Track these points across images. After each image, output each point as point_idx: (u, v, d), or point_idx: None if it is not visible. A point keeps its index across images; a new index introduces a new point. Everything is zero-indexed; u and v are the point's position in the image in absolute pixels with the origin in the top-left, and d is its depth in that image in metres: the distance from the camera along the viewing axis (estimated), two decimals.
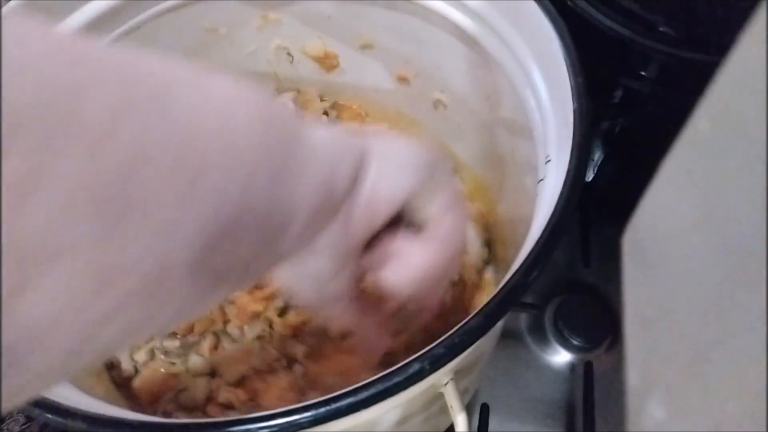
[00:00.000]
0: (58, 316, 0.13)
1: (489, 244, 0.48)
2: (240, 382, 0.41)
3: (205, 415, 0.40)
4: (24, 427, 0.45)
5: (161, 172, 0.14)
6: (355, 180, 0.23)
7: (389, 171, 0.25)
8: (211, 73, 0.18)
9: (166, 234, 0.15)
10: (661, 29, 0.42)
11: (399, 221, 0.27)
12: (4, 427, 0.45)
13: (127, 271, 0.14)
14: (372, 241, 0.27)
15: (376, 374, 0.23)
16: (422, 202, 0.26)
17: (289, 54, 0.52)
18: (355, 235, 0.25)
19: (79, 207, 0.13)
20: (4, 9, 0.36)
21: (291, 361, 0.42)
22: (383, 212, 0.25)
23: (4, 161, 0.11)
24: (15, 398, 0.14)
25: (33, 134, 0.12)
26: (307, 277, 0.26)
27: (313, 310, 0.34)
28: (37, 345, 0.13)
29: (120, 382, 0.42)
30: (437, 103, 0.50)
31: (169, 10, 0.44)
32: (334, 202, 0.23)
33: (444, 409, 0.28)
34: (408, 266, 0.27)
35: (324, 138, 0.22)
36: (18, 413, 0.43)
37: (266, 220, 0.19)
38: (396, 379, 0.23)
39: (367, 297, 0.30)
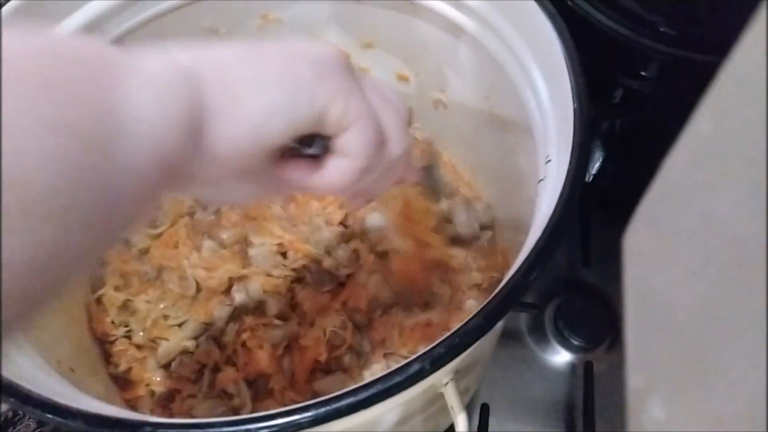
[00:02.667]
0: None
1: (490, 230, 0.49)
2: None
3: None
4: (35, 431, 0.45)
5: None
6: (193, 142, 0.20)
7: (235, 123, 0.21)
8: None
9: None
10: (661, 29, 0.42)
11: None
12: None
13: None
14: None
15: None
16: (312, 119, 0.23)
17: None
18: (237, 172, 0.23)
19: None
20: (5, 9, 0.36)
21: None
22: (246, 160, 0.22)
23: None
24: None
25: None
26: (239, 198, 0.26)
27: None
28: None
29: (117, 377, 0.42)
30: (437, 103, 0.50)
31: (169, 10, 0.44)
32: (176, 167, 0.20)
33: (444, 409, 0.28)
34: (318, 188, 0.25)
35: (146, 92, 0.19)
36: (29, 418, 0.43)
37: (89, 230, 0.17)
38: (396, 379, 0.23)
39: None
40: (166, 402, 0.41)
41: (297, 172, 0.25)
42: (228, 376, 0.41)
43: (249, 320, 0.43)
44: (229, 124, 0.21)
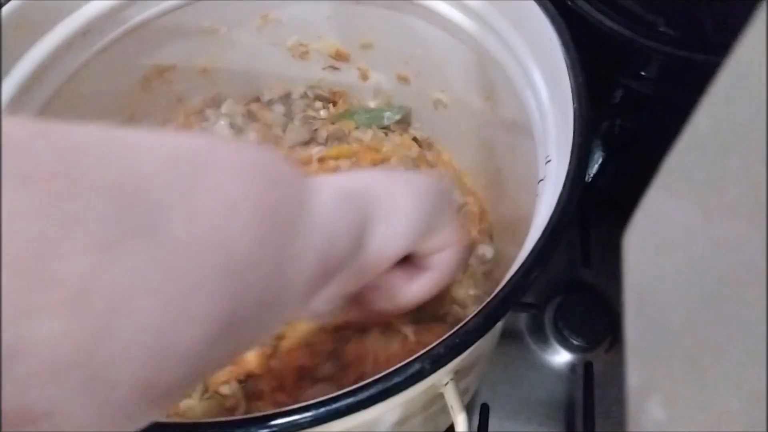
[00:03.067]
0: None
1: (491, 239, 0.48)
2: None
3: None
4: None
5: (152, 302, 0.15)
6: (358, 246, 0.24)
7: (393, 233, 0.25)
8: (210, 159, 0.18)
9: (150, 366, 0.15)
10: (661, 29, 0.42)
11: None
12: None
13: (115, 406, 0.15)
14: None
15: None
16: (426, 240, 0.28)
17: (291, 54, 0.52)
18: (355, 286, 0.26)
19: (58, 368, 0.13)
20: (5, 9, 0.36)
21: None
22: (384, 268, 0.26)
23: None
24: None
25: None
26: (309, 314, 0.29)
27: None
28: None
29: None
30: (437, 103, 0.50)
31: (169, 10, 0.44)
32: (331, 271, 0.23)
33: (444, 409, 0.28)
34: (403, 300, 0.29)
35: (329, 208, 0.22)
36: None
37: (258, 312, 0.19)
38: (396, 379, 0.23)
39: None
40: None
41: (398, 279, 0.29)
42: (219, 377, 0.41)
43: None
44: (387, 229, 0.25)
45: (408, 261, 0.29)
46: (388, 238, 0.25)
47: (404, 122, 0.53)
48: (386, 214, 0.25)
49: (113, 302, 0.14)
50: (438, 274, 0.29)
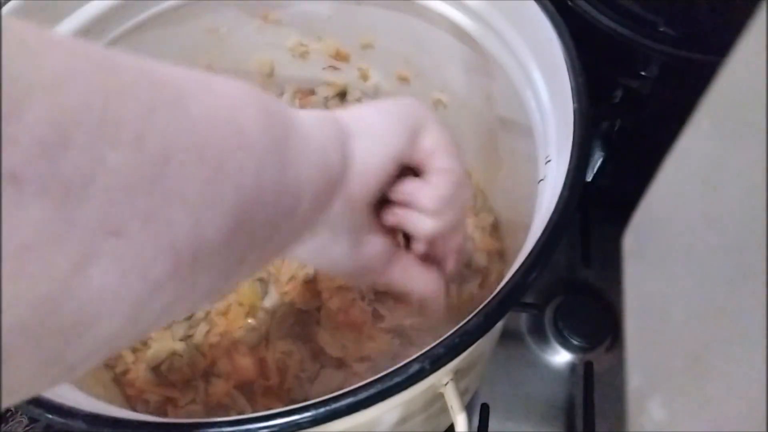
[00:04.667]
0: (117, 288, 0.15)
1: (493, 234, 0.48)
2: None
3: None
4: (27, 428, 0.45)
5: (188, 164, 0.16)
6: (344, 159, 0.25)
7: (372, 144, 0.27)
8: (216, 76, 0.20)
9: (198, 215, 0.17)
10: (661, 29, 0.42)
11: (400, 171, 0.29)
12: (8, 429, 0.45)
13: (169, 247, 0.16)
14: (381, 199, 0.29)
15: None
16: (413, 150, 0.29)
17: (291, 54, 0.52)
18: (357, 209, 0.27)
19: (129, 191, 0.15)
20: (4, 9, 0.36)
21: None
22: (376, 181, 0.27)
23: (68, 153, 0.13)
24: (84, 364, 0.16)
25: (87, 132, 0.14)
26: (333, 259, 0.29)
27: (355, 282, 0.38)
28: (101, 312, 0.15)
29: (117, 378, 0.42)
30: (437, 103, 0.50)
31: (169, 10, 0.44)
32: (332, 182, 0.25)
33: (444, 409, 0.28)
34: (422, 206, 0.29)
35: (312, 123, 0.24)
36: (21, 414, 0.43)
37: (277, 202, 0.21)
38: (396, 380, 0.23)
39: (399, 253, 0.32)
40: (160, 411, 0.41)
41: (409, 185, 0.29)
42: (219, 388, 0.41)
43: (221, 321, 0.43)
44: (365, 141, 0.26)
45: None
46: (370, 149, 0.26)
47: None
48: (362, 130, 0.26)
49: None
50: (439, 175, 0.29)
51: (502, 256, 0.47)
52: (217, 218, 0.18)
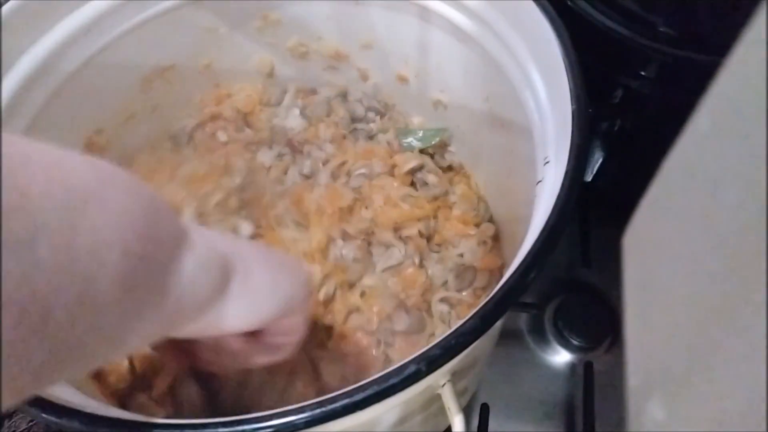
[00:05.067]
0: None
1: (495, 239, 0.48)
2: None
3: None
4: (31, 423, 0.46)
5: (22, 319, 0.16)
6: (209, 306, 0.25)
7: (245, 313, 0.27)
8: (96, 197, 0.19)
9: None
10: (661, 29, 0.42)
11: None
12: (11, 425, 0.45)
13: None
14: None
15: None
16: (276, 323, 0.30)
17: (291, 54, 0.52)
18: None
19: None
20: (4, 9, 0.36)
21: None
22: (229, 332, 0.28)
23: None
24: None
25: None
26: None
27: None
28: None
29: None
30: (437, 104, 0.50)
31: (169, 10, 0.44)
32: (177, 322, 0.24)
33: (443, 410, 0.28)
34: (242, 364, 0.32)
35: (193, 268, 0.23)
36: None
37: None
38: (392, 381, 0.23)
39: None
40: (124, 398, 0.40)
41: (242, 344, 0.31)
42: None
43: None
44: (235, 304, 0.26)
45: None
46: (231, 317, 0.26)
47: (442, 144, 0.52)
48: (240, 291, 0.26)
49: None
50: (279, 356, 0.32)
51: (502, 272, 0.47)
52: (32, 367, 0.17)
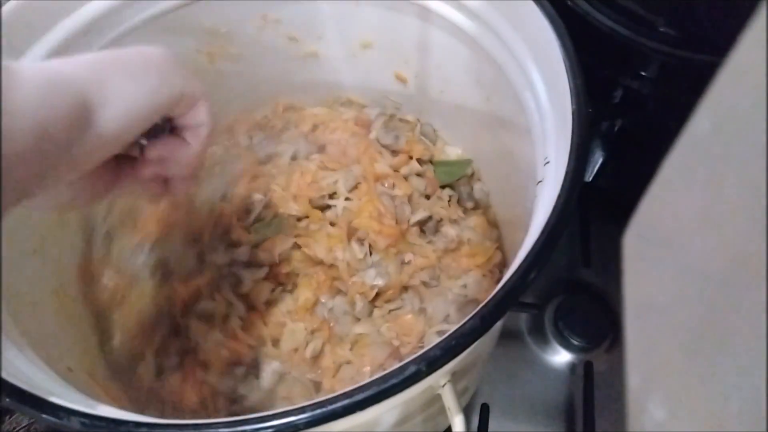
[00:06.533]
0: None
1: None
2: None
3: None
4: (31, 421, 0.46)
5: None
6: (77, 134, 0.25)
7: (115, 114, 0.26)
8: None
9: None
10: (661, 29, 0.42)
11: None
12: (12, 421, 0.46)
13: None
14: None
15: None
16: (165, 112, 0.29)
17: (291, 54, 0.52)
18: (84, 169, 0.27)
19: None
20: (5, 9, 0.36)
21: None
22: (117, 144, 0.27)
23: None
24: None
25: None
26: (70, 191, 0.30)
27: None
28: None
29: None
30: (436, 103, 0.50)
31: (169, 10, 0.44)
32: (52, 159, 0.24)
33: (443, 410, 0.28)
34: (185, 161, 0.32)
35: (32, 98, 0.23)
36: None
37: None
38: (392, 381, 0.23)
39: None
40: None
41: (166, 148, 0.31)
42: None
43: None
44: (111, 110, 0.26)
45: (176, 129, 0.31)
46: (110, 121, 0.26)
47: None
48: (105, 99, 0.26)
49: None
50: (202, 127, 0.31)
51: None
52: None
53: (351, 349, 0.42)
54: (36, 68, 0.24)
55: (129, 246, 0.44)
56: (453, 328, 0.40)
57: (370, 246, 0.45)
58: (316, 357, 0.41)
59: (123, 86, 0.27)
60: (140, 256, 0.44)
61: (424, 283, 0.44)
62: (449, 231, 0.46)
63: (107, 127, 0.26)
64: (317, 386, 0.41)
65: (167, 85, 0.28)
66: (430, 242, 0.45)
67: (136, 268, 0.43)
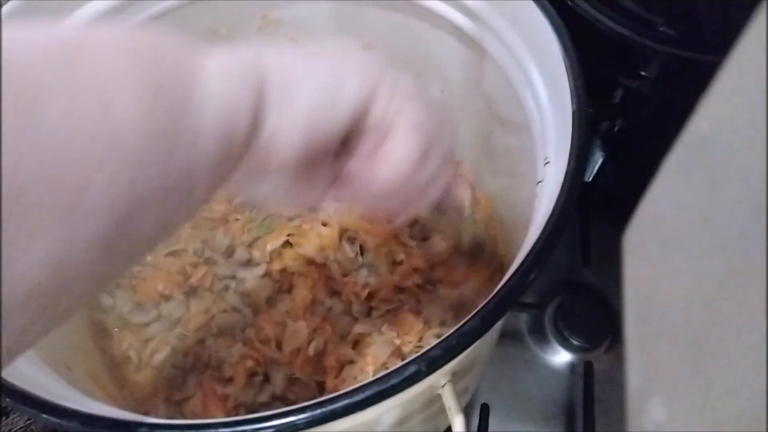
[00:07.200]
0: None
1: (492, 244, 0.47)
2: None
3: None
4: (28, 422, 0.46)
5: (43, 195, 0.14)
6: (253, 127, 0.22)
7: (295, 117, 0.22)
8: (92, 36, 0.18)
9: (62, 246, 0.15)
10: (661, 29, 0.42)
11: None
12: (9, 422, 0.45)
13: (31, 275, 0.15)
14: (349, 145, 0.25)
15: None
16: (364, 118, 0.24)
17: None
18: (272, 172, 0.24)
19: None
20: (5, 9, 0.36)
21: None
22: (295, 154, 0.23)
23: None
24: None
25: None
26: (263, 197, 0.26)
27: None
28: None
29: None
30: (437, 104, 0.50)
31: (169, 10, 0.44)
32: (238, 150, 0.21)
33: (443, 410, 0.28)
34: (377, 182, 0.25)
35: (221, 81, 0.20)
36: None
37: (165, 197, 0.18)
38: (392, 381, 0.23)
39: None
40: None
41: (355, 164, 0.25)
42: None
43: None
44: (287, 112, 0.22)
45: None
46: (288, 118, 0.22)
47: None
48: (285, 92, 0.22)
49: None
50: (401, 143, 0.24)
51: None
52: (84, 244, 0.16)
53: (353, 348, 0.42)
54: (217, 55, 0.21)
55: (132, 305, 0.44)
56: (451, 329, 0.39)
57: (360, 246, 0.45)
58: (319, 356, 0.42)
59: (304, 83, 0.23)
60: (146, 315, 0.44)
61: (419, 286, 0.44)
62: (439, 244, 0.46)
63: (280, 131, 0.22)
64: (320, 386, 0.41)
65: (353, 84, 0.23)
66: (419, 247, 0.46)
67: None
